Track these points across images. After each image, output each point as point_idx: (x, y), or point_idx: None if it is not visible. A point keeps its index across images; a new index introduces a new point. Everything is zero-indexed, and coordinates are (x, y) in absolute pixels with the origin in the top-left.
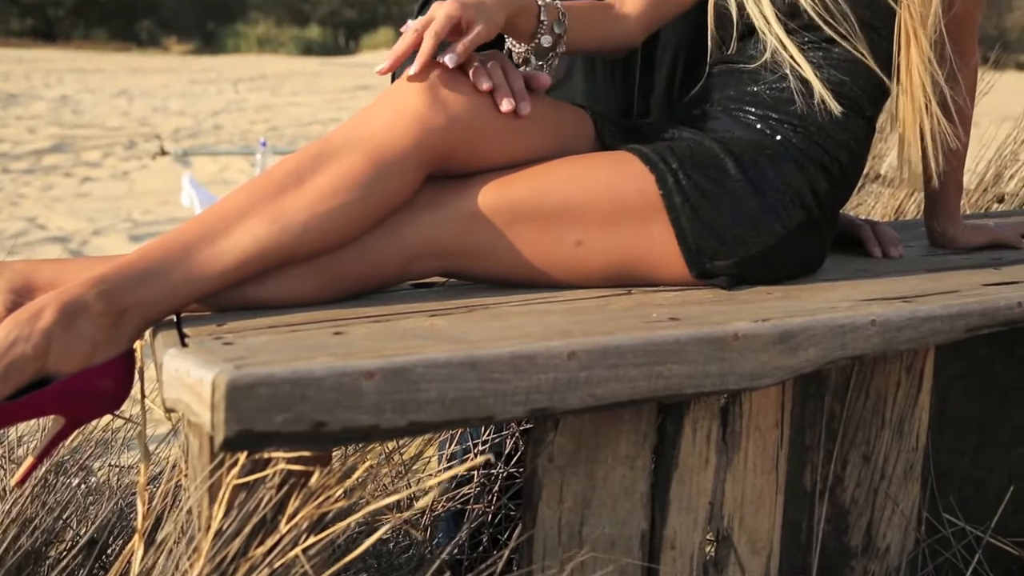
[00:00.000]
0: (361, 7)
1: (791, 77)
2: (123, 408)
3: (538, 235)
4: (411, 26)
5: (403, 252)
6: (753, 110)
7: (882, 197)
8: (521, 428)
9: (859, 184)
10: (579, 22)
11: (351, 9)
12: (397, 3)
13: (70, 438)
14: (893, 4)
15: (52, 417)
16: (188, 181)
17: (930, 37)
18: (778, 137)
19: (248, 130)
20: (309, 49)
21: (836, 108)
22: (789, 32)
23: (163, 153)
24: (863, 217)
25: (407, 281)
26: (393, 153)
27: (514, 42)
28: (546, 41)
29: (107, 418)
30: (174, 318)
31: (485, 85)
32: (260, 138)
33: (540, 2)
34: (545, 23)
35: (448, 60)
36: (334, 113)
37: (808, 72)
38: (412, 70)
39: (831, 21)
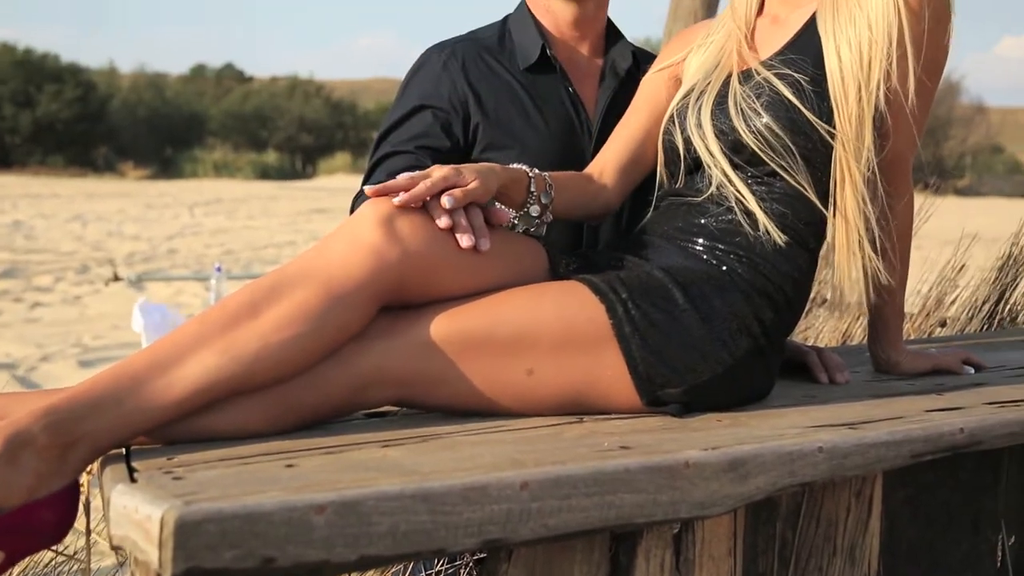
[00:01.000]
0: (318, 133)
1: (737, 209)
2: (67, 541)
3: (490, 364)
4: (406, 175)
5: (356, 381)
6: (700, 241)
7: (829, 322)
8: (475, 557)
9: (806, 308)
10: (565, 191)
11: (308, 135)
12: (354, 128)
13: (10, 572)
14: (830, 139)
15: None
16: (139, 308)
17: (864, 175)
18: (724, 267)
19: (203, 254)
20: (266, 174)
21: (780, 239)
22: (734, 166)
23: (116, 279)
24: (810, 342)
25: (360, 410)
26: (347, 286)
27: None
28: (534, 211)
29: (50, 554)
30: (123, 451)
31: (445, 222)
32: (215, 263)
33: (530, 174)
34: (534, 193)
35: (446, 201)
36: (290, 236)
37: (753, 204)
38: (398, 200)
39: (773, 155)
